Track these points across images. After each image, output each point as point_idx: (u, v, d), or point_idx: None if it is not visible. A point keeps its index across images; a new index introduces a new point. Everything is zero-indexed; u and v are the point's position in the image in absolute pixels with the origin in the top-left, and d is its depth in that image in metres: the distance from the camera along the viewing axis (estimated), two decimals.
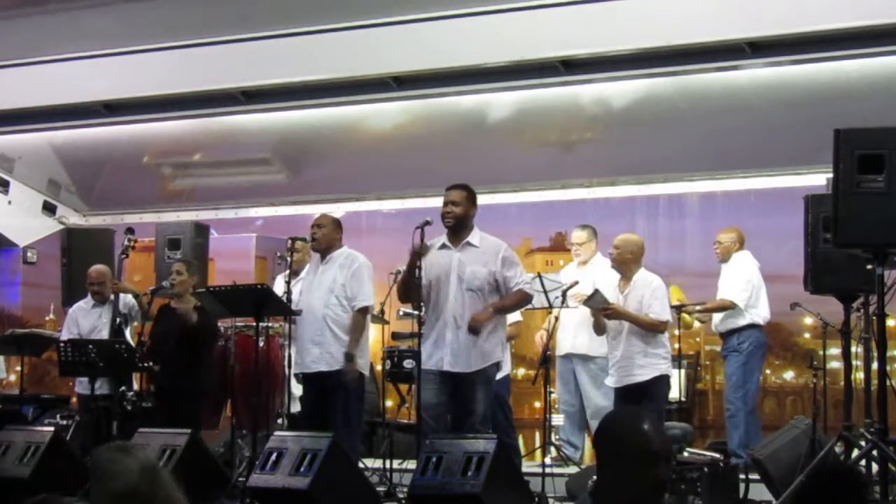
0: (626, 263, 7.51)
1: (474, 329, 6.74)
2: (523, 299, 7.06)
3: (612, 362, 7.52)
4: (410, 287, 6.87)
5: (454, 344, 6.78)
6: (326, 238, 7.48)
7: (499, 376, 7.39)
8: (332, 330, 7.32)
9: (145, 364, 7.91)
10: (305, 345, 7.41)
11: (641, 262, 7.58)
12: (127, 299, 8.68)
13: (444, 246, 6.94)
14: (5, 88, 10.35)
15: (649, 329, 7.35)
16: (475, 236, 6.94)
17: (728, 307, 8.31)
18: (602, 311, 7.43)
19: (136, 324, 8.56)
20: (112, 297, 8.60)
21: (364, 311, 7.41)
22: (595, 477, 3.33)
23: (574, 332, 8.41)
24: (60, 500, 2.88)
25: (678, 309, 8.38)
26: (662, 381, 7.43)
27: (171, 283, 8.09)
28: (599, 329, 7.59)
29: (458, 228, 6.91)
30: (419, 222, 6.88)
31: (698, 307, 8.62)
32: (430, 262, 6.80)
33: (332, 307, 7.34)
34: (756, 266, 8.40)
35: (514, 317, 8.03)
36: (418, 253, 6.74)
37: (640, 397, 7.30)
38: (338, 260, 7.45)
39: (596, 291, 7.46)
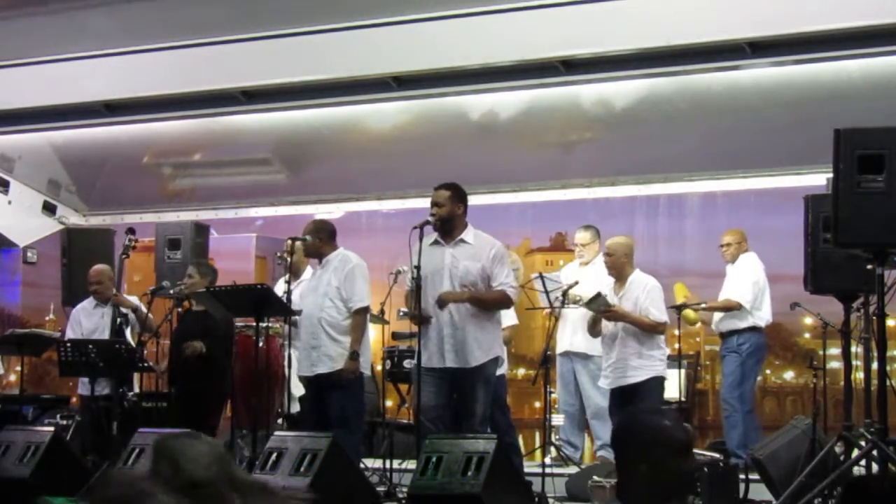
0: (615, 266, 7.52)
1: (440, 303, 6.77)
2: (503, 300, 7.03)
3: (607, 364, 7.54)
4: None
5: (452, 340, 6.79)
6: (309, 247, 7.59)
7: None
8: (328, 332, 7.34)
9: (145, 364, 7.93)
10: (304, 349, 7.46)
11: (633, 262, 7.59)
12: (130, 300, 8.70)
13: (436, 242, 6.94)
14: (5, 88, 10.34)
15: (648, 330, 7.35)
16: (469, 233, 6.96)
17: (734, 307, 8.30)
18: (604, 314, 7.42)
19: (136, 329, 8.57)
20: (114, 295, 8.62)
21: (361, 311, 7.43)
22: (603, 478, 3.30)
23: (572, 331, 8.40)
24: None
25: (679, 308, 8.37)
26: (656, 383, 7.42)
27: (181, 283, 8.15)
28: (595, 332, 7.59)
29: (446, 228, 6.92)
30: (419, 222, 6.89)
31: (703, 305, 8.62)
32: (424, 260, 6.81)
33: (327, 310, 7.36)
34: (762, 268, 8.40)
35: (510, 320, 8.02)
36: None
37: (634, 398, 7.30)
38: (332, 263, 7.49)
39: (598, 294, 7.45)
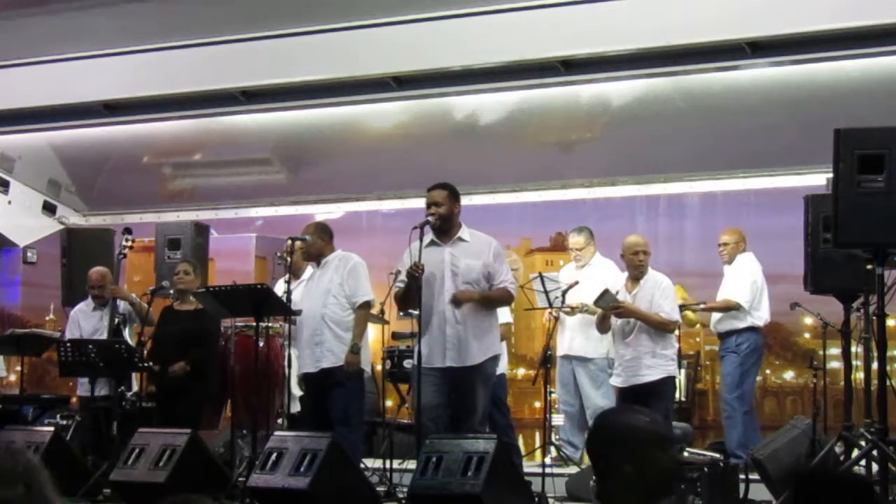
0: (648, 265, 7.51)
1: (457, 301, 6.77)
2: (506, 297, 7.12)
3: (619, 362, 7.50)
4: (411, 297, 6.89)
5: (453, 339, 6.80)
6: (312, 247, 7.58)
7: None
8: (331, 328, 7.37)
9: (145, 364, 7.93)
10: (306, 347, 7.46)
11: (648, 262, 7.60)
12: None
13: (433, 243, 6.95)
14: (5, 88, 10.34)
15: (660, 328, 7.34)
16: (465, 232, 6.99)
17: (733, 307, 8.30)
18: (613, 310, 7.40)
19: (136, 325, 8.57)
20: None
21: (365, 305, 7.49)
22: (594, 479, 3.22)
23: (571, 334, 8.39)
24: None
25: (680, 308, 8.38)
26: (670, 382, 7.43)
27: (178, 281, 8.13)
28: (604, 328, 7.56)
29: (444, 227, 6.93)
30: (419, 222, 6.90)
31: (702, 306, 8.62)
32: (423, 261, 6.81)
33: (331, 306, 7.39)
34: (760, 268, 8.40)
35: (505, 318, 8.02)
36: (414, 275, 6.75)
37: (647, 398, 7.26)
38: (332, 263, 7.54)
39: (606, 291, 7.43)
